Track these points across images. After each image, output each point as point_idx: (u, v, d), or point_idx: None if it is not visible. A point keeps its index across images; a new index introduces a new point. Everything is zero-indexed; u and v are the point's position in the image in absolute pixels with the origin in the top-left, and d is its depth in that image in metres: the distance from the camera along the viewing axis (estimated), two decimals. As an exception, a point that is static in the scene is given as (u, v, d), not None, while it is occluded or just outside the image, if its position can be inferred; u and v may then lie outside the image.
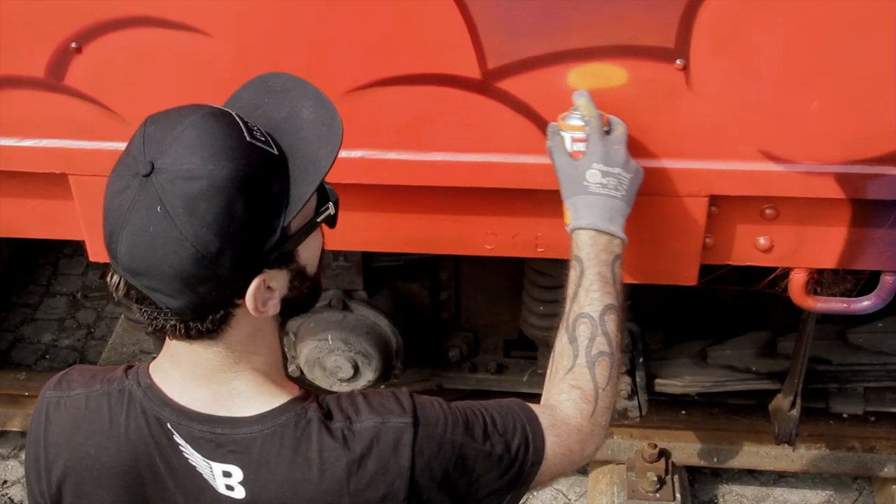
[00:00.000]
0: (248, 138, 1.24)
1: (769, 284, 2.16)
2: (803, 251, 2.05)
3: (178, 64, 1.89)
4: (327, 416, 1.34)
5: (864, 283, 2.17)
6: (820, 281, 2.14)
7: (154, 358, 1.41)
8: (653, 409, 3.07)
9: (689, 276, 2.07)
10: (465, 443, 1.38)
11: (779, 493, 3.43)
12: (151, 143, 1.24)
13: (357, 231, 2.13)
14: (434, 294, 2.98)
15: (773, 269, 2.12)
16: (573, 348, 1.59)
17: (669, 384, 2.94)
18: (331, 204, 1.37)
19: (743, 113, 1.84)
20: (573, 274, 1.64)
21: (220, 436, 1.32)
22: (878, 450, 3.16)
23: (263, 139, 1.26)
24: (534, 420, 1.46)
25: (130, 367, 1.41)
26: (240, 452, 1.32)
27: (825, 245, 2.04)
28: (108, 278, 1.29)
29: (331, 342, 2.75)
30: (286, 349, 2.91)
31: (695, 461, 3.25)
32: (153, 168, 1.20)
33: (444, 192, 2.02)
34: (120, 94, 1.95)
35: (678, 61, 1.79)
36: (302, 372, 2.84)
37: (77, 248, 4.46)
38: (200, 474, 1.33)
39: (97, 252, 2.17)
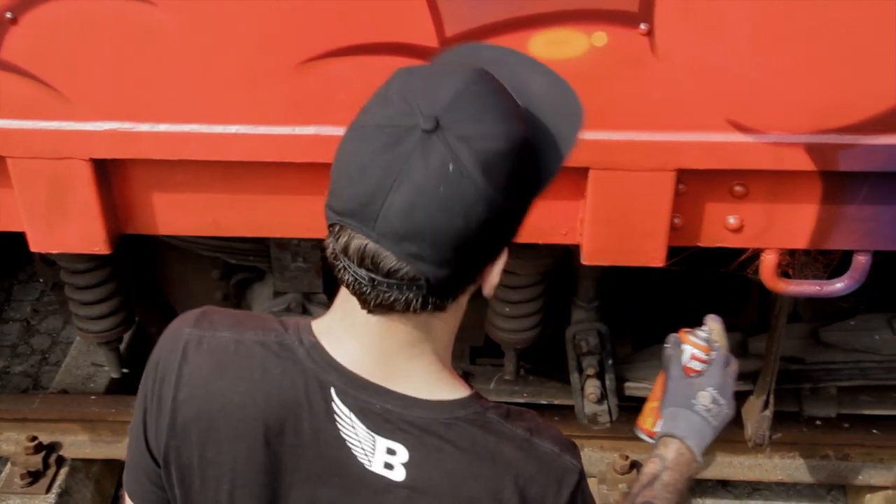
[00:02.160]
0: (519, 101, 1.17)
1: (739, 267, 2.09)
2: (774, 231, 2.00)
3: (123, 36, 1.81)
4: (506, 417, 1.24)
5: (836, 266, 2.11)
6: (792, 263, 2.08)
7: (315, 318, 1.30)
8: (624, 419, 2.99)
9: (656, 258, 2.01)
10: None
11: (753, 506, 3.37)
12: (421, 97, 1.11)
13: (313, 217, 2.04)
14: (396, 298, 2.88)
15: (744, 250, 2.06)
16: None
17: (640, 387, 2.86)
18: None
19: (710, 81, 1.79)
20: (653, 467, 1.62)
21: (390, 411, 1.21)
22: (852, 457, 3.10)
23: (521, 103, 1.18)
24: None
25: (286, 320, 1.31)
26: (410, 433, 1.21)
27: (796, 224, 1.98)
28: (331, 244, 1.15)
29: (289, 347, 2.65)
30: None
31: (667, 472, 3.16)
32: (438, 124, 1.08)
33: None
34: (61, 70, 1.86)
35: (642, 26, 1.74)
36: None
37: (32, 273, 4.34)
38: (350, 448, 1.22)
39: (39, 242, 2.07)
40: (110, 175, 2.01)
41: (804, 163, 1.85)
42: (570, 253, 2.61)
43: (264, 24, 1.78)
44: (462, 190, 1.07)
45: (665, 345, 1.76)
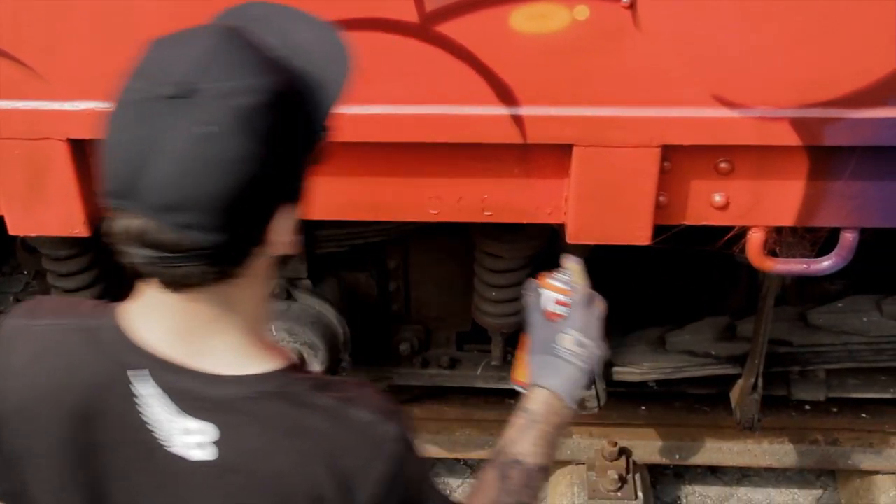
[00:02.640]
0: (272, 54, 1.14)
1: (725, 245, 2.07)
2: (760, 208, 1.98)
3: (100, 13, 1.78)
4: (319, 388, 1.22)
5: (823, 245, 2.09)
6: (779, 242, 2.06)
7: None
8: (612, 405, 2.98)
9: (642, 236, 1.99)
10: (429, 496, 1.30)
11: (742, 492, 3.35)
12: (173, 64, 1.09)
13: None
14: (382, 284, 2.87)
15: (730, 228, 2.04)
16: (501, 486, 1.52)
17: (628, 372, 2.85)
18: (326, 128, 1.24)
19: (694, 54, 1.77)
20: (521, 422, 1.59)
21: (194, 390, 1.19)
22: (841, 442, 3.10)
23: (281, 57, 1.15)
24: None
25: (103, 302, 1.28)
26: (217, 412, 1.19)
27: (783, 201, 1.96)
28: (110, 228, 1.13)
29: (274, 333, 2.63)
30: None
31: (656, 459, 3.16)
32: (188, 89, 1.06)
33: (384, 149, 1.93)
34: (38, 49, 1.83)
35: (624, -1, 1.72)
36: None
37: (15, 266, 4.30)
38: (151, 432, 1.20)
39: (18, 225, 2.04)
40: (89, 156, 1.98)
41: (790, 137, 1.83)
42: (555, 236, 2.59)
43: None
44: (222, 149, 1.05)
45: (524, 291, 1.72)
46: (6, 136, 1.91)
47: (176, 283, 1.13)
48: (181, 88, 1.05)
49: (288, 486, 1.18)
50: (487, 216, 2.03)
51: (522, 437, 1.56)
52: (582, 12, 1.73)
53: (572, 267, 1.70)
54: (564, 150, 1.90)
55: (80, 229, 2.02)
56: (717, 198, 1.96)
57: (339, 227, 2.60)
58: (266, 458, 1.18)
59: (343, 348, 2.76)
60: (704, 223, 2.02)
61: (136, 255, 1.10)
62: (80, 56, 1.83)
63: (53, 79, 1.85)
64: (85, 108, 1.87)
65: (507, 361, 2.97)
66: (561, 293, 1.66)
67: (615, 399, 2.97)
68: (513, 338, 2.89)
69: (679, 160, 1.92)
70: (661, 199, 1.96)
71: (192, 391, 1.18)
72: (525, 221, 2.05)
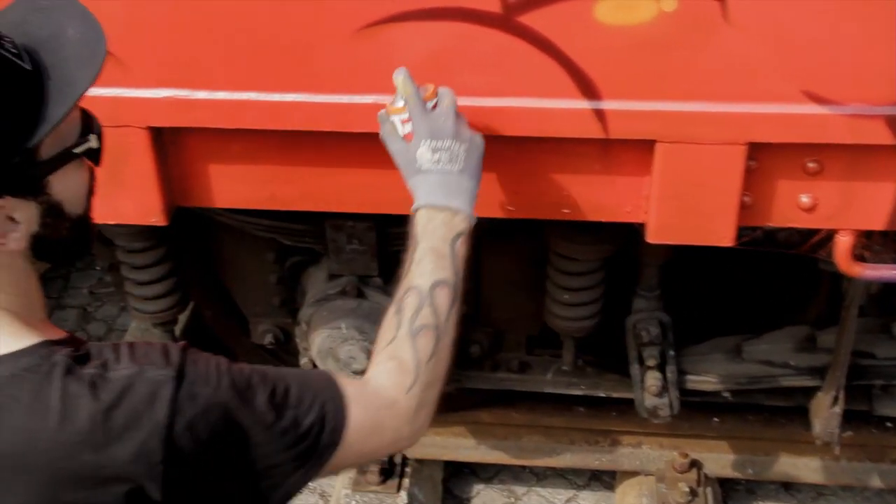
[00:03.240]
0: None
1: (811, 249, 2.00)
2: (850, 211, 1.91)
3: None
4: (80, 360, 1.20)
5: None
6: (868, 246, 1.99)
7: None
8: (684, 415, 2.91)
9: (725, 237, 1.93)
10: (240, 408, 1.25)
11: (818, 511, 3.25)
12: None
13: (369, 190, 2.01)
14: (453, 284, 2.83)
15: (816, 231, 1.97)
16: (397, 320, 1.51)
17: (702, 381, 2.77)
18: (93, 136, 1.27)
19: (785, 48, 1.71)
20: (408, 254, 1.59)
21: None
22: (925, 462, 2.98)
23: (15, 51, 1.16)
24: (337, 396, 1.35)
25: None
26: None
27: (874, 203, 1.89)
28: None
29: (344, 331, 2.61)
30: (298, 340, 2.77)
31: (728, 472, 3.09)
32: None
33: (463, 142, 1.90)
34: (120, 35, 1.79)
35: (714, -11, 1.67)
36: (315, 364, 2.70)
37: (89, 261, 4.37)
38: None
39: (96, 213, 2.03)
40: (167, 144, 1.98)
41: (884, 136, 1.76)
42: (632, 237, 2.54)
43: (323, -11, 1.75)
44: None
45: (381, 131, 1.72)
46: (87, 122, 1.92)
47: None
48: None
49: (57, 462, 1.15)
50: (566, 214, 1.99)
51: (412, 264, 1.55)
52: (670, 3, 1.68)
53: (397, 81, 1.69)
54: (647, 146, 1.86)
55: (157, 218, 2.03)
56: (805, 199, 1.90)
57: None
58: (30, 440, 1.15)
59: (412, 348, 2.73)
60: (790, 225, 1.96)
61: None
62: (162, 43, 1.83)
63: (135, 66, 1.86)
64: (165, 96, 1.88)
65: (579, 367, 2.92)
66: (403, 112, 1.66)
67: (687, 409, 2.90)
68: (585, 342, 2.84)
69: (765, 159, 1.86)
70: (746, 199, 1.90)
71: None
72: (604, 220, 2.00)
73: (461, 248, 1.57)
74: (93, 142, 1.26)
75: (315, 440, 1.31)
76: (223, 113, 1.88)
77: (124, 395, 1.18)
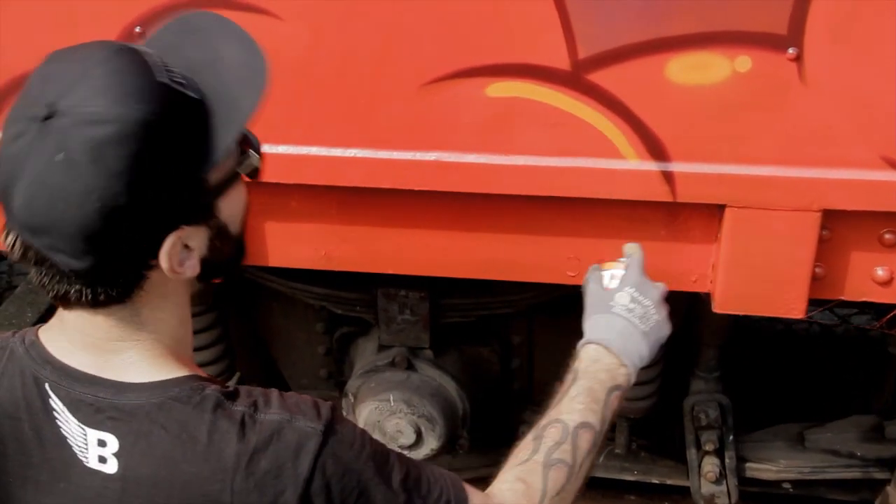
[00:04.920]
0: (160, 79, 1.10)
1: (888, 325, 1.92)
2: (928, 285, 1.83)
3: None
4: (229, 396, 1.16)
5: None
6: (946, 324, 1.90)
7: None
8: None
9: (795, 309, 1.85)
10: (376, 481, 1.19)
11: None
12: (53, 82, 1.09)
13: (427, 251, 1.96)
14: (505, 360, 2.77)
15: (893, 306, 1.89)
16: (534, 445, 1.43)
17: (762, 469, 2.66)
18: (252, 152, 1.23)
19: (863, 112, 1.66)
20: (564, 385, 1.51)
21: (101, 399, 1.16)
22: None
23: (181, 81, 1.12)
24: (462, 498, 1.28)
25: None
26: (120, 420, 1.15)
27: (953, 279, 1.81)
28: (4, 237, 1.14)
29: (392, 403, 2.55)
30: (344, 412, 2.70)
31: (788, 570, 2.93)
32: (54, 111, 1.05)
33: (523, 203, 1.85)
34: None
35: (790, 50, 1.63)
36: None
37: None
38: (71, 447, 1.17)
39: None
40: (225, 199, 1.96)
41: (967, 207, 1.69)
42: (689, 314, 2.47)
43: (388, 43, 1.73)
44: (71, 180, 1.04)
45: (585, 278, 1.66)
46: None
47: (66, 302, 1.14)
48: (47, 110, 1.05)
49: (194, 494, 1.12)
50: (628, 281, 1.93)
51: (565, 397, 1.48)
52: (744, 63, 1.65)
53: (630, 249, 1.65)
54: (715, 211, 1.80)
55: (210, 274, 1.99)
56: (880, 272, 1.82)
57: (464, 296, 2.53)
58: (171, 468, 1.13)
59: (461, 424, 2.66)
60: (864, 299, 1.88)
61: (34, 272, 1.13)
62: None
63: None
64: (226, 149, 1.86)
65: (632, 450, 2.82)
66: (618, 268, 1.62)
67: (747, 499, 2.77)
68: (639, 425, 2.75)
69: (839, 228, 1.79)
70: (818, 270, 1.83)
71: (100, 401, 1.16)
72: (670, 288, 1.93)
73: (615, 401, 1.51)
74: (254, 159, 1.23)
75: None
76: (283, 167, 1.85)
77: (272, 441, 1.13)
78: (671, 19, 1.63)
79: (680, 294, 1.98)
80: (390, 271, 2.04)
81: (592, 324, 1.58)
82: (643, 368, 2.44)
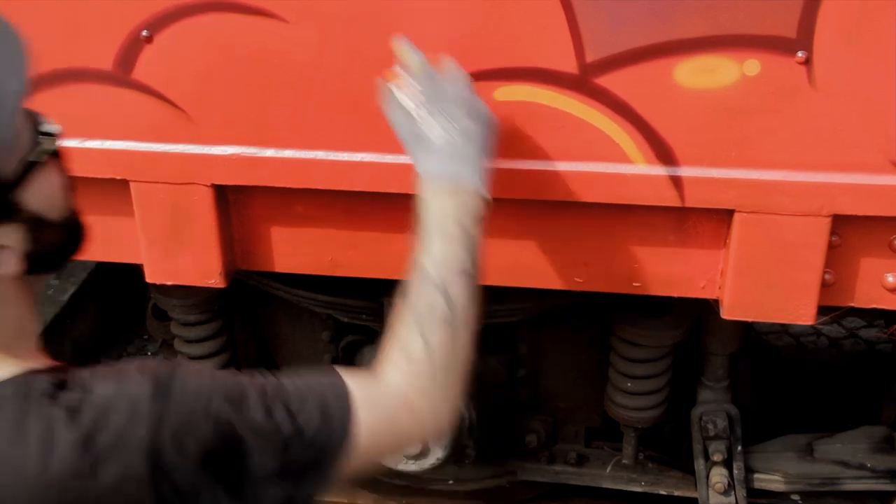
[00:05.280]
0: None
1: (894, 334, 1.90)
2: (939, 292, 1.81)
3: (253, 55, 1.77)
4: (60, 386, 1.15)
5: None
6: (957, 331, 1.88)
7: None
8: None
9: (804, 315, 1.83)
10: (234, 420, 1.18)
11: None
12: None
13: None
14: (511, 370, 2.75)
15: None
16: (410, 315, 1.42)
17: (771, 480, 2.63)
18: (43, 138, 1.19)
19: (874, 116, 1.65)
20: (417, 240, 1.50)
21: None
22: None
23: None
24: (344, 403, 1.27)
25: None
26: None
27: (965, 285, 1.79)
28: None
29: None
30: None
31: (797, 584, 2.90)
32: None
33: (532, 208, 1.85)
34: (190, 90, 1.83)
35: (800, 53, 1.62)
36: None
37: (140, 346, 4.34)
38: None
39: (156, 273, 2.02)
40: (230, 204, 1.95)
41: (979, 212, 1.68)
42: (698, 324, 2.45)
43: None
44: None
45: (381, 101, 1.60)
46: (153, 179, 1.90)
47: None
48: None
49: (40, 496, 1.09)
50: (636, 287, 1.92)
51: (421, 253, 1.45)
52: (752, 67, 1.64)
53: (398, 51, 1.59)
54: (724, 216, 1.79)
55: (216, 280, 1.99)
56: (890, 279, 1.81)
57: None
58: (13, 471, 1.10)
59: (467, 434, 2.64)
60: (874, 306, 1.86)
61: None
62: (230, 98, 1.82)
63: (202, 121, 1.84)
64: (231, 153, 1.85)
65: (640, 461, 2.79)
66: (407, 80, 1.56)
67: (754, 510, 2.75)
68: (647, 435, 2.73)
69: (849, 234, 1.78)
70: (828, 276, 1.81)
71: None
72: (677, 295, 1.92)
73: (475, 228, 1.46)
74: (46, 144, 1.19)
75: (320, 449, 1.24)
76: (289, 172, 1.85)
77: (106, 417, 1.12)
78: (679, 22, 1.62)
79: (688, 302, 1.98)
80: (397, 277, 2.02)
81: (417, 163, 1.54)
82: (651, 377, 2.46)
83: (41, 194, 1.18)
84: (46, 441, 1.10)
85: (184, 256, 1.97)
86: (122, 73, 1.82)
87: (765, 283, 1.81)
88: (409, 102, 1.57)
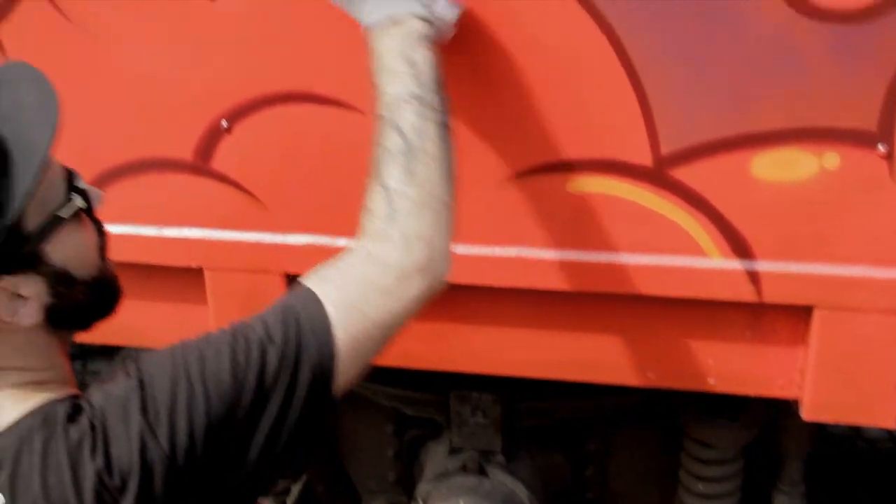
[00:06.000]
0: None
1: None
2: None
3: (329, 145, 1.80)
4: (78, 409, 1.17)
5: None
6: None
7: None
8: None
9: (889, 418, 1.76)
10: (208, 385, 1.17)
11: None
12: None
13: (498, 349, 1.93)
14: (578, 468, 2.68)
15: None
16: (372, 169, 1.37)
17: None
18: (76, 195, 1.22)
19: (957, 211, 1.61)
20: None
21: None
22: None
23: None
24: (312, 314, 1.24)
25: None
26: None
27: None
28: None
29: (463, 510, 2.48)
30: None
31: None
32: None
33: (605, 302, 1.82)
34: (266, 179, 1.85)
35: (881, 147, 1.59)
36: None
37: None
38: None
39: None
40: (302, 293, 1.96)
41: None
42: (772, 423, 2.38)
43: (470, 137, 1.73)
44: None
45: None
46: (228, 267, 1.92)
47: None
48: None
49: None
50: (711, 385, 1.87)
51: (377, 97, 1.37)
52: (832, 160, 1.61)
53: None
54: (803, 313, 1.74)
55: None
56: (976, 379, 1.74)
57: (538, 398, 2.48)
58: (55, 501, 1.12)
59: (533, 532, 2.57)
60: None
61: None
62: (305, 187, 1.84)
63: (277, 210, 1.86)
64: (305, 242, 1.87)
65: (712, 568, 2.68)
66: None
67: None
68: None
69: (934, 332, 1.72)
70: (911, 375, 1.75)
71: None
72: (753, 394, 1.87)
73: (422, 52, 1.38)
74: (77, 201, 1.22)
75: (308, 384, 1.22)
76: (362, 261, 1.85)
77: (105, 423, 1.15)
78: (756, 114, 1.61)
79: (764, 401, 1.92)
80: (466, 370, 2.01)
81: (358, 18, 1.47)
82: (724, 479, 2.38)
83: (68, 250, 1.20)
84: (74, 467, 1.12)
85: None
86: (200, 163, 1.86)
87: (847, 383, 1.75)
88: None
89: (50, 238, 1.18)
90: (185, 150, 1.86)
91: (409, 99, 1.36)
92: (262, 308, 1.91)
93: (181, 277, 1.97)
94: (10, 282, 1.15)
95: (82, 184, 1.25)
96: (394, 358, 2.00)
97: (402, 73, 1.38)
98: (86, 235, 1.25)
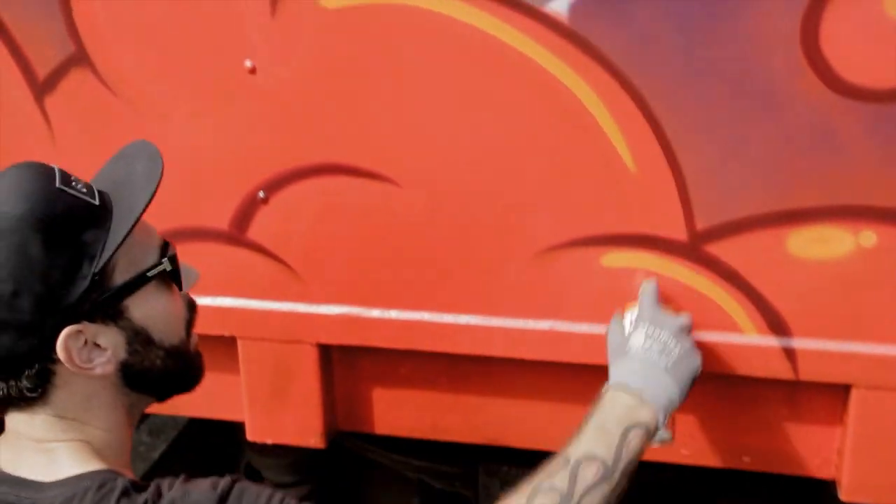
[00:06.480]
0: (57, 185, 1.21)
1: None
2: None
3: (364, 217, 1.81)
4: (137, 487, 1.20)
5: None
6: None
7: None
8: None
9: (931, 500, 1.73)
10: None
11: None
12: None
13: (530, 421, 1.92)
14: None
15: None
16: (528, 484, 1.42)
17: None
18: (165, 260, 1.29)
19: None
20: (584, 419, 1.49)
21: (24, 499, 1.21)
22: None
23: (84, 190, 1.24)
24: None
25: None
26: None
27: None
28: None
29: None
30: None
31: None
32: None
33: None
34: (301, 250, 1.87)
35: (917, 225, 1.59)
36: None
37: None
38: None
39: (257, 431, 2.02)
40: (334, 363, 1.96)
41: None
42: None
43: (505, 211, 1.75)
44: None
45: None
46: (261, 336, 1.93)
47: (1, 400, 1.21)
48: None
49: None
50: (746, 462, 1.85)
51: (571, 438, 1.42)
52: (868, 238, 1.61)
53: (643, 284, 1.64)
54: (841, 391, 1.72)
55: (315, 440, 1.98)
56: None
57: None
58: None
59: None
60: None
61: None
62: (339, 258, 1.85)
63: (312, 281, 1.87)
64: (339, 313, 1.87)
65: None
66: (635, 309, 1.60)
67: None
68: None
69: (975, 413, 1.69)
70: (954, 459, 1.72)
71: (22, 500, 1.20)
72: (791, 473, 1.84)
73: (635, 438, 1.43)
74: (165, 265, 1.28)
75: None
76: (395, 332, 1.85)
77: None
78: (792, 191, 1.61)
79: (800, 481, 1.89)
80: (496, 443, 1.99)
81: (611, 372, 1.54)
82: None
83: (150, 311, 1.26)
84: None
85: (286, 415, 1.97)
86: (237, 233, 1.88)
87: (886, 464, 1.73)
88: (628, 319, 1.62)
89: (132, 295, 1.24)
90: (221, 220, 1.88)
91: (597, 462, 1.40)
92: (294, 376, 1.92)
93: (214, 346, 1.96)
94: (90, 329, 1.20)
95: (175, 256, 1.33)
96: (423, 430, 2.00)
97: (609, 437, 1.43)
98: (172, 304, 1.32)
